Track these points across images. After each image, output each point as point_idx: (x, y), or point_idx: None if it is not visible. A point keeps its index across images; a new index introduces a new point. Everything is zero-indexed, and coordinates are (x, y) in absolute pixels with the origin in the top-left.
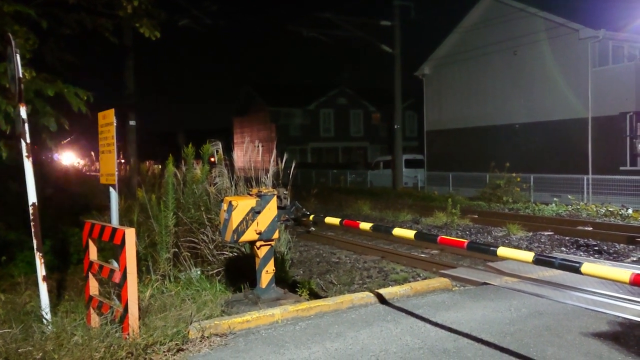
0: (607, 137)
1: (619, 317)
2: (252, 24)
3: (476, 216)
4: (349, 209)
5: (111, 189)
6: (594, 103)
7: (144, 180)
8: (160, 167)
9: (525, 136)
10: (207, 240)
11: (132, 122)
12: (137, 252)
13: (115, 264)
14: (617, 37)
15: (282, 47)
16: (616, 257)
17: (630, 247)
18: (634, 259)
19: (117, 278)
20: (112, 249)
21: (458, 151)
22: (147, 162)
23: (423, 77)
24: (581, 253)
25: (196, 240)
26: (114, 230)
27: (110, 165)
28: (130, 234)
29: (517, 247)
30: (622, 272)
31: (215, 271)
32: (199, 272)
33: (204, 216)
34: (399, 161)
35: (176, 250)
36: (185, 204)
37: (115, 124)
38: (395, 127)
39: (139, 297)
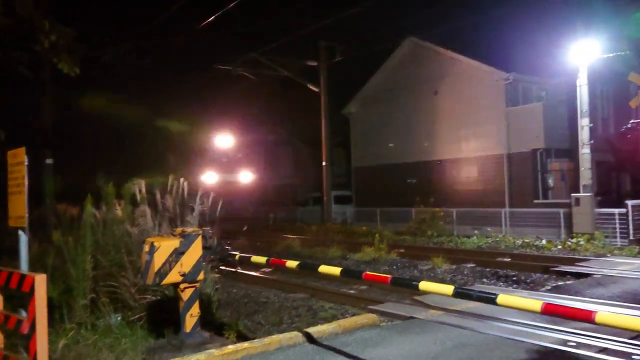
0: (521, 172)
1: (536, 345)
2: (180, 61)
3: (403, 250)
4: (279, 246)
5: (21, 233)
6: (509, 140)
7: (60, 222)
8: (79, 208)
9: (448, 172)
10: (128, 284)
11: (48, 161)
12: (50, 299)
13: (23, 313)
14: (526, 79)
15: (211, 84)
16: (533, 286)
17: (545, 276)
18: (549, 288)
19: (25, 329)
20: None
21: (385, 187)
22: (64, 204)
23: (349, 115)
24: (501, 283)
25: (116, 285)
26: (23, 276)
27: (20, 207)
28: (40, 280)
29: (442, 279)
30: (534, 302)
31: (137, 316)
32: (119, 318)
33: (125, 258)
34: (328, 197)
35: (94, 295)
36: (104, 246)
37: (26, 164)
38: (324, 164)
39: (50, 347)
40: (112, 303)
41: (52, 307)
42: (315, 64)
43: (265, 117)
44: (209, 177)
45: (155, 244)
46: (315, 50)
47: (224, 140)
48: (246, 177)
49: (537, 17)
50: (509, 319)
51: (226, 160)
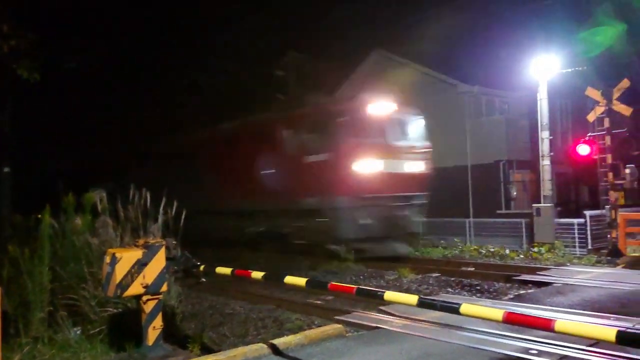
0: (485, 182)
1: (498, 353)
2: (148, 69)
3: (371, 261)
4: (246, 258)
5: None
6: (472, 152)
7: (17, 232)
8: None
9: None
10: (88, 297)
11: (6, 169)
12: (4, 313)
13: None
14: (489, 92)
15: (175, 92)
16: (496, 295)
17: (508, 285)
18: (511, 297)
19: None
20: None
21: None
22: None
23: None
24: (465, 293)
25: (76, 297)
26: None
27: None
28: None
29: (407, 289)
30: (496, 312)
31: (97, 330)
32: (78, 332)
33: (85, 270)
34: None
35: (52, 308)
36: (64, 257)
37: None
38: None
39: None
40: (71, 316)
41: (7, 321)
42: (283, 73)
43: None
44: (367, 165)
45: (117, 255)
46: (284, 60)
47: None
48: (418, 166)
49: (500, 32)
50: (473, 327)
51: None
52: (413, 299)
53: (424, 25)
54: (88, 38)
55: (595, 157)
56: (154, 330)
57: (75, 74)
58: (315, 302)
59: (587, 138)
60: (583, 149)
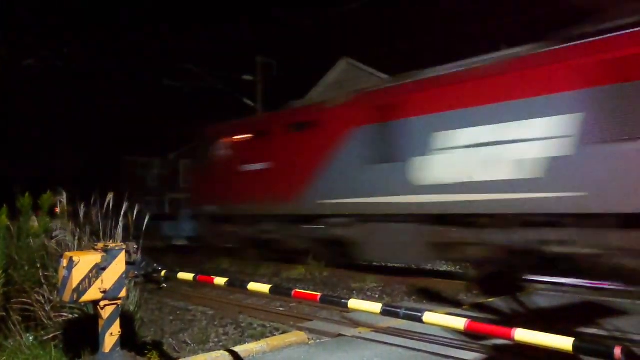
0: None
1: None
2: (108, 69)
3: (335, 268)
4: (210, 263)
5: None
6: None
7: None
8: None
9: None
10: (42, 301)
11: None
12: None
13: None
14: None
15: (140, 96)
16: (459, 303)
17: (470, 293)
18: (474, 305)
19: None
20: None
21: None
22: None
23: None
24: (428, 301)
25: (29, 302)
26: None
27: None
28: None
29: (371, 297)
30: (458, 320)
31: (51, 335)
32: (31, 338)
33: (40, 274)
34: None
35: (4, 313)
36: (19, 260)
37: None
38: None
39: None
40: (25, 321)
41: None
42: (251, 78)
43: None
44: None
45: (75, 258)
46: (252, 65)
47: None
48: None
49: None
50: (436, 334)
51: None
52: (377, 307)
53: (393, 35)
54: (47, 37)
55: None
56: (111, 336)
57: (33, 74)
58: (279, 309)
59: None
60: None
